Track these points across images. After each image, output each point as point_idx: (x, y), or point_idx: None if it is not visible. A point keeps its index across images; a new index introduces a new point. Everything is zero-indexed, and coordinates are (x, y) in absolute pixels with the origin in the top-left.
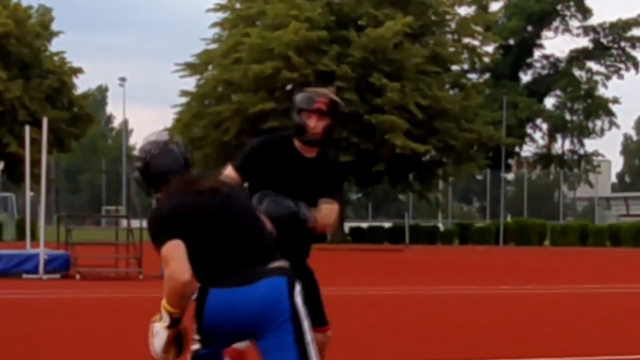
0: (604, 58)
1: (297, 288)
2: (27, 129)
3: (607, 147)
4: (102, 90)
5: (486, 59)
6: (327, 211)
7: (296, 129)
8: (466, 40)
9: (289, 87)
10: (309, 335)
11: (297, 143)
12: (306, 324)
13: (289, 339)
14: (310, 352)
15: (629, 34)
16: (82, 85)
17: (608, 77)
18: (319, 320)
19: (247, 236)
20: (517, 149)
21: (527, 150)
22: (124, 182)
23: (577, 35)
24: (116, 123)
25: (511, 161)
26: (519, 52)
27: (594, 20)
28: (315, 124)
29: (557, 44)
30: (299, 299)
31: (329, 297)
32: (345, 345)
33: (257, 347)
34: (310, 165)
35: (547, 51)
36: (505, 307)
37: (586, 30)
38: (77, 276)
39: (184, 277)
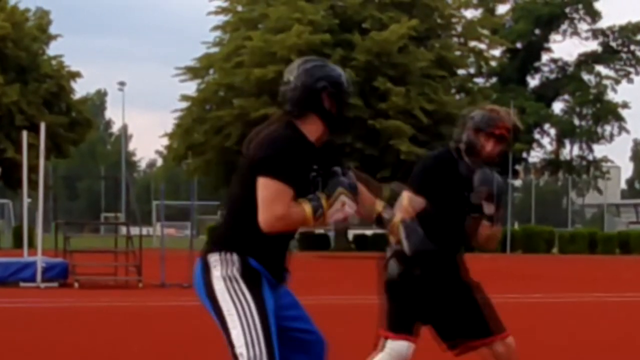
0: (614, 62)
1: (216, 272)
2: (25, 134)
3: (616, 152)
4: (100, 95)
5: (493, 63)
6: (494, 235)
7: (469, 148)
8: (473, 43)
9: None
10: (227, 305)
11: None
12: (226, 306)
13: (213, 316)
14: (231, 332)
15: (639, 37)
16: (80, 89)
17: (617, 82)
18: (482, 331)
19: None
20: (524, 154)
21: (535, 156)
22: (123, 189)
23: (586, 38)
24: (115, 128)
25: (518, 167)
26: (526, 55)
27: (603, 24)
28: (492, 149)
29: (565, 47)
30: (213, 271)
31: (332, 305)
32: (349, 355)
33: None
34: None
35: (556, 55)
36: (513, 316)
37: (595, 33)
38: (76, 284)
39: None
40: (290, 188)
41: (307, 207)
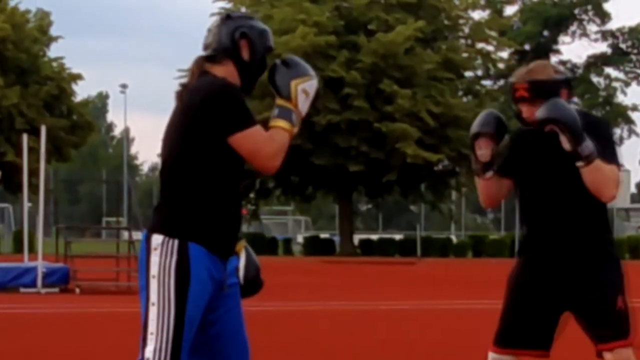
0: (623, 64)
1: (153, 244)
2: (25, 137)
3: (626, 156)
4: (102, 98)
5: (501, 65)
6: (599, 174)
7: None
8: (480, 45)
9: None
10: (152, 297)
11: None
12: (152, 286)
13: (141, 297)
14: (148, 325)
15: None
16: (81, 92)
17: (627, 84)
18: (601, 336)
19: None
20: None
21: None
22: (125, 193)
23: (595, 40)
24: (117, 131)
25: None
26: (534, 57)
27: (612, 25)
28: (526, 113)
29: (574, 49)
30: (152, 256)
31: (337, 311)
32: None
33: None
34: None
35: (564, 57)
36: None
37: (605, 35)
38: (77, 290)
39: None
40: (257, 124)
41: (282, 124)
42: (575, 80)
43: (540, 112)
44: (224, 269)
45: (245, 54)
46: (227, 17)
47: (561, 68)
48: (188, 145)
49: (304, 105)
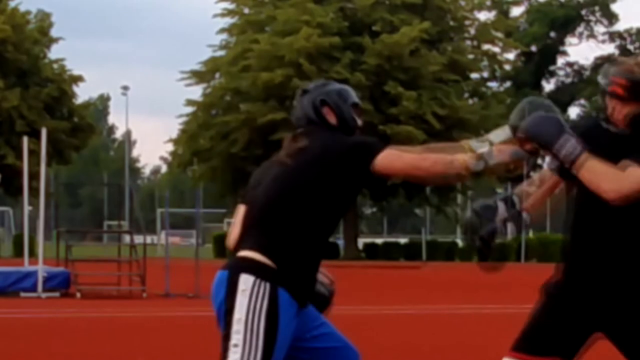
0: None
1: (241, 286)
2: (25, 140)
3: None
4: (103, 100)
5: (507, 67)
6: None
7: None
8: (486, 46)
9: None
10: (234, 338)
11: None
12: (235, 327)
13: (222, 333)
14: (229, 355)
15: None
16: (82, 94)
17: None
18: None
19: (250, 218)
20: (539, 161)
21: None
22: (126, 196)
23: (603, 41)
24: (118, 134)
25: (533, 174)
26: (541, 59)
27: (620, 26)
28: (611, 110)
29: (581, 50)
30: (240, 297)
31: (341, 316)
32: None
33: None
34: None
35: (571, 58)
36: None
37: (612, 36)
38: (78, 294)
39: None
40: None
41: (467, 145)
42: (582, 83)
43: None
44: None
45: (331, 119)
46: (303, 92)
47: None
48: (306, 191)
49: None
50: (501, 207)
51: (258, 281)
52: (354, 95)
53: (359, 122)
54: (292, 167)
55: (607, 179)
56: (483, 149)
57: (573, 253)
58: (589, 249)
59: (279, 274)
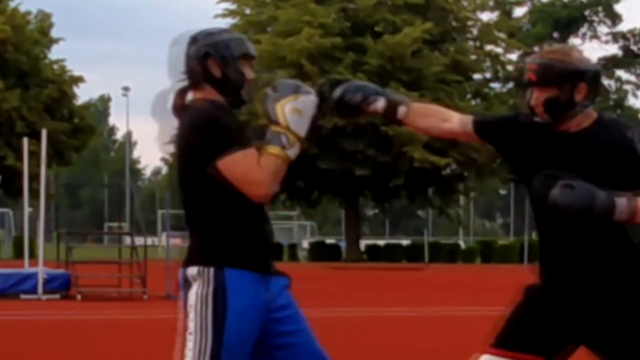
0: (635, 66)
1: (189, 278)
2: (25, 141)
3: None
4: (104, 101)
5: (510, 67)
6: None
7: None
8: (489, 47)
9: None
10: (189, 327)
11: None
12: (190, 316)
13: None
14: (187, 341)
15: None
16: (83, 95)
17: (639, 87)
18: None
19: None
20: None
21: None
22: (127, 197)
23: (606, 42)
24: (119, 135)
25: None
26: None
27: (623, 27)
28: (534, 101)
29: (584, 51)
30: (190, 289)
31: (343, 318)
32: None
33: None
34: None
35: None
36: None
37: (615, 36)
38: (78, 296)
39: None
40: (248, 147)
41: (271, 149)
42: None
43: (550, 197)
44: (267, 288)
45: (216, 72)
46: (191, 41)
47: (592, 61)
48: (193, 178)
49: (298, 124)
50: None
51: (202, 269)
52: (246, 46)
53: (250, 75)
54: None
55: None
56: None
57: (542, 257)
58: (554, 254)
59: (220, 256)
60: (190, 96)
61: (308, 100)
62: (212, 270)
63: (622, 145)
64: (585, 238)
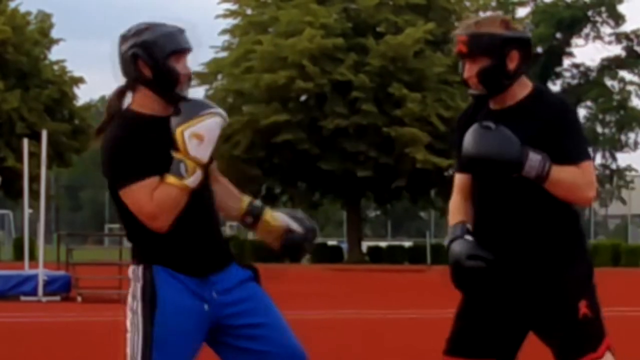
0: (638, 67)
1: (130, 288)
2: (26, 142)
3: None
4: (104, 102)
5: None
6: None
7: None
8: None
9: (303, 97)
10: (127, 324)
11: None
12: (127, 316)
13: None
14: (127, 343)
15: None
16: (83, 95)
17: None
18: (565, 353)
19: None
20: None
21: None
22: None
23: (609, 42)
24: None
25: None
26: (547, 60)
27: (627, 27)
28: (466, 73)
29: (587, 52)
30: (129, 292)
31: (345, 320)
32: None
33: None
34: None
35: (577, 60)
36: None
37: (619, 37)
38: (79, 298)
39: None
40: (145, 179)
41: (169, 179)
42: (589, 84)
43: (464, 148)
44: (205, 285)
45: (146, 73)
46: (121, 40)
47: (522, 26)
48: (113, 193)
49: (198, 150)
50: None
51: (134, 268)
52: (175, 41)
53: (185, 69)
54: None
55: (580, 190)
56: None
57: (483, 242)
58: (494, 242)
59: (148, 254)
60: (128, 98)
61: (211, 123)
62: (141, 267)
63: (556, 117)
64: (524, 211)
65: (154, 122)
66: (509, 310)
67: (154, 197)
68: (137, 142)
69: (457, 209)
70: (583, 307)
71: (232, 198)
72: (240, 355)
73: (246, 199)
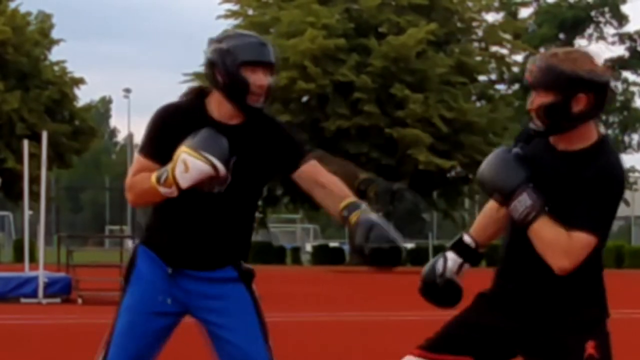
0: None
1: None
2: (26, 143)
3: None
4: (105, 102)
5: (515, 69)
6: None
7: None
8: (494, 48)
9: (304, 98)
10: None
11: None
12: None
13: None
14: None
15: None
16: (84, 96)
17: None
18: None
19: None
20: None
21: None
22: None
23: (613, 43)
24: (120, 137)
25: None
26: None
27: (630, 28)
28: (529, 105)
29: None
30: None
31: (347, 322)
32: None
33: None
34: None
35: None
36: None
37: (622, 38)
38: (79, 300)
39: None
40: (146, 159)
41: (152, 175)
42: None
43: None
44: (178, 275)
45: (220, 79)
46: (208, 43)
47: (603, 70)
48: None
49: (181, 175)
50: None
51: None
52: (250, 53)
53: (258, 81)
54: None
55: (554, 254)
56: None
57: (504, 271)
58: (519, 270)
59: (143, 236)
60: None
61: (200, 166)
62: (135, 243)
63: (594, 181)
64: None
65: (207, 121)
66: (509, 331)
67: (136, 179)
68: (171, 126)
69: (477, 219)
70: (590, 348)
71: (332, 198)
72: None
73: (347, 201)
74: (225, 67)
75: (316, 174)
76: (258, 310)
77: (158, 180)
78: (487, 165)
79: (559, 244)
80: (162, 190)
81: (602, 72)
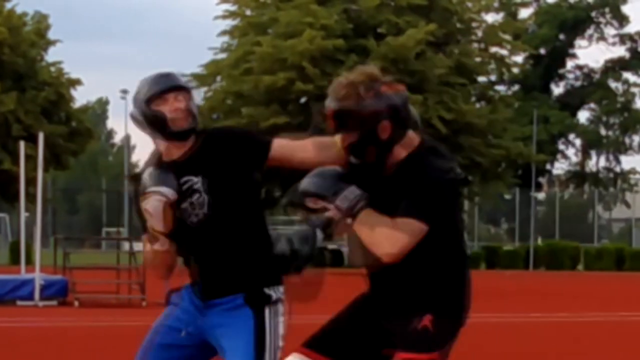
0: None
1: None
2: (22, 144)
3: None
4: (102, 104)
5: (515, 70)
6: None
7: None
8: (494, 49)
9: (303, 99)
10: None
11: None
12: None
13: None
14: None
15: None
16: (80, 97)
17: None
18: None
19: None
20: (548, 166)
21: (559, 167)
22: (125, 202)
23: (613, 44)
24: (117, 138)
25: (542, 179)
26: (550, 62)
27: (631, 28)
28: (342, 140)
29: (591, 53)
30: None
31: None
32: None
33: None
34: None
35: (581, 61)
36: (537, 336)
37: (623, 38)
38: (76, 303)
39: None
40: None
41: (146, 244)
42: (592, 86)
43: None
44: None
45: (144, 124)
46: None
47: (388, 92)
48: None
49: (152, 222)
50: (319, 235)
51: None
52: (150, 88)
53: (171, 106)
54: None
55: (380, 240)
56: None
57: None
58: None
59: None
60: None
61: (153, 202)
62: None
63: (413, 181)
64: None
65: (169, 165)
66: (375, 331)
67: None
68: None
69: None
70: (427, 320)
71: (321, 146)
72: None
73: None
74: (141, 111)
75: (288, 144)
76: (258, 331)
77: (147, 234)
78: (309, 177)
79: (382, 232)
80: (157, 245)
81: (393, 93)
